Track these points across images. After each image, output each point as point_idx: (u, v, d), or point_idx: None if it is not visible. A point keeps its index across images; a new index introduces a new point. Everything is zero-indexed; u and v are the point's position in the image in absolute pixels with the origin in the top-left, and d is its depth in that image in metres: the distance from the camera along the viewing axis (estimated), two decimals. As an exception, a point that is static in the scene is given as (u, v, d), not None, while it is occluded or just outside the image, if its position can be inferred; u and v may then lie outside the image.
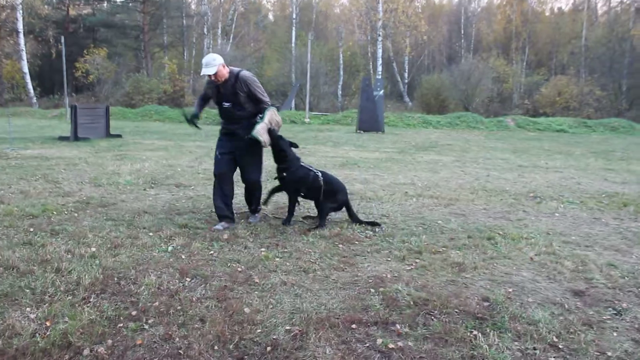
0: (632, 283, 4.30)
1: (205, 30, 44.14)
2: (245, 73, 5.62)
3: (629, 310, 3.73)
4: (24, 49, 37.53)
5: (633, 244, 5.50)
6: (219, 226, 5.64)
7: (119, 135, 17.09)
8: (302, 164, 5.88)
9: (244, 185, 6.10)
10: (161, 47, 46.65)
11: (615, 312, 3.71)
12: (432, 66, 50.41)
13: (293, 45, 42.54)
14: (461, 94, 33.61)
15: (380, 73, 38.31)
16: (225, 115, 5.75)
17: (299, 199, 6.06)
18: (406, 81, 44.92)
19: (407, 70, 45.40)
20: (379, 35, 39.43)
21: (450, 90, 34.70)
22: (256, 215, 6.13)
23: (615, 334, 3.38)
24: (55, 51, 42.24)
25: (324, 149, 14.76)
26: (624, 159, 14.10)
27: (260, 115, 5.59)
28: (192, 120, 5.91)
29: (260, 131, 5.47)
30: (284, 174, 5.79)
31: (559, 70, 43.69)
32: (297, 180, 5.79)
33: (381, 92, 22.74)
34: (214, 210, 5.96)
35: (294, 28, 44.65)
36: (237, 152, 5.74)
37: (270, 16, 60.60)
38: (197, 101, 6.07)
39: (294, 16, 45.73)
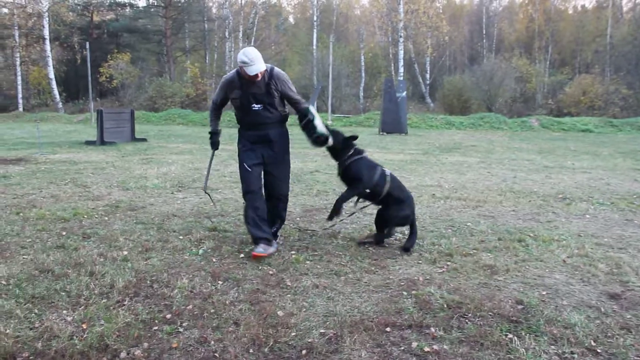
0: (670, 286, 4.23)
1: (226, 33, 44.42)
2: (278, 70, 4.97)
3: (668, 315, 3.66)
4: (50, 55, 38.28)
5: (668, 245, 5.41)
6: (261, 249, 4.73)
7: (144, 139, 17.28)
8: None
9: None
10: (183, 51, 47.13)
11: (653, 316, 3.65)
12: (454, 67, 50.12)
13: (314, 47, 42.65)
14: (484, 94, 33.36)
15: (402, 74, 38.17)
16: (253, 120, 4.90)
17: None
18: (428, 82, 44.66)
19: (428, 72, 45.14)
20: (400, 36, 39.32)
21: (472, 90, 34.45)
22: (274, 243, 4.97)
23: (654, 338, 3.32)
24: (80, 57, 43.06)
25: (348, 151, 14.74)
26: (653, 158, 13.88)
27: (311, 113, 4.88)
28: (216, 143, 5.26)
29: (323, 127, 4.87)
30: (348, 162, 5.03)
31: (583, 69, 43.15)
32: (363, 169, 5.00)
33: (404, 94, 22.66)
34: (248, 232, 5.00)
35: (315, 30, 44.79)
36: (268, 161, 4.97)
37: (291, 19, 60.81)
38: (212, 114, 5.23)
39: (315, 18, 45.84)
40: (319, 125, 4.85)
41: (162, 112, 32.36)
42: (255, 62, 4.58)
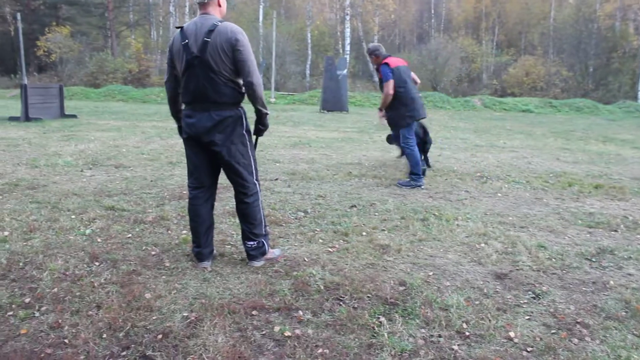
0: (558, 265, 4.19)
1: (172, 8, 43.22)
2: None
3: (547, 294, 3.61)
4: (-18, 26, 36.38)
5: (569, 224, 5.42)
6: None
7: (74, 116, 16.60)
8: None
9: None
10: (127, 25, 45.63)
11: (533, 295, 3.59)
12: (403, 45, 50.11)
13: (260, 23, 41.93)
14: (429, 73, 33.42)
15: (348, 52, 37.93)
16: None
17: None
18: (376, 61, 44.47)
19: (377, 50, 44.99)
20: (347, 14, 39.00)
21: (418, 69, 34.40)
22: None
23: (527, 318, 3.26)
24: (13, 29, 41.03)
25: (283, 128, 14.52)
26: (582, 138, 14.15)
27: None
28: None
29: None
30: None
31: (529, 50, 43.77)
32: None
33: (345, 72, 22.44)
34: None
35: (261, 6, 43.97)
36: None
37: (240, -6, 59.54)
38: None
39: (262, -6, 45.02)
40: None
41: (102, 88, 31.28)
42: None
